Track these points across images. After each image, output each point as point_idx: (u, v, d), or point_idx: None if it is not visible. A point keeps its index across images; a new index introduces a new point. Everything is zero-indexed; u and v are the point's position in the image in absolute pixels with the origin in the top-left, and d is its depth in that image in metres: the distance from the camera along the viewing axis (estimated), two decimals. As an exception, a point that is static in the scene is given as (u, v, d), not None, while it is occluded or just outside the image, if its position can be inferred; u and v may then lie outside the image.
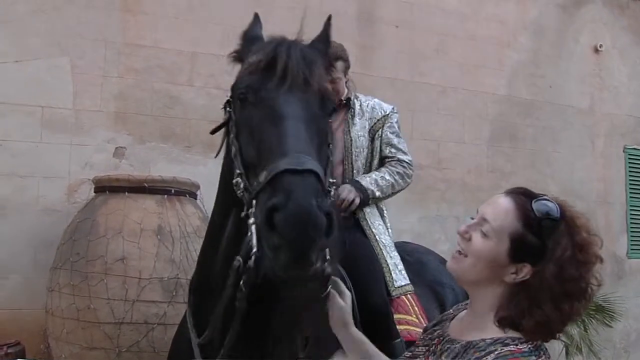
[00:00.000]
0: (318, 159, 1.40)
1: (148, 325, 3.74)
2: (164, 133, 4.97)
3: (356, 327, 2.08)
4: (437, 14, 6.23)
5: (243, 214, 1.41)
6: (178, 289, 3.80)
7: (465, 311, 1.51)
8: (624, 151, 7.39)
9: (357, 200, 2.57)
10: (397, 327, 2.38)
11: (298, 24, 5.71)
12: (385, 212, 2.74)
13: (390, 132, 2.73)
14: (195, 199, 4.35)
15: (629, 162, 7.40)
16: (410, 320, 2.48)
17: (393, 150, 2.73)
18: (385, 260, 2.53)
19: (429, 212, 6.05)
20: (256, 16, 1.96)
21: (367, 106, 2.74)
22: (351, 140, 2.65)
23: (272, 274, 1.30)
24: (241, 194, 1.45)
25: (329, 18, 1.92)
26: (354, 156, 2.65)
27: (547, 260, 1.30)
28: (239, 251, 1.45)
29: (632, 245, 7.33)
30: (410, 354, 1.59)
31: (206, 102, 5.12)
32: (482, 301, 1.40)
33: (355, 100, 2.75)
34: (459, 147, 6.30)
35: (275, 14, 5.36)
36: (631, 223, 7.36)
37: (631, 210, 7.36)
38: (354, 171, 2.66)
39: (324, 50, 1.80)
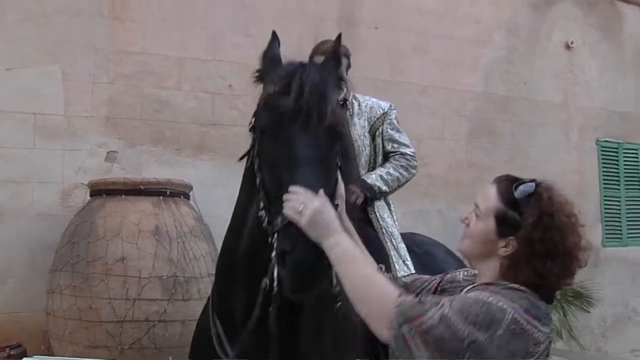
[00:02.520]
0: (326, 192, 1.62)
1: (149, 323, 3.87)
2: (154, 136, 5.09)
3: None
4: (415, 15, 6.42)
5: (269, 240, 1.67)
6: (177, 286, 3.94)
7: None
8: (596, 144, 7.66)
9: (360, 200, 2.72)
10: None
11: (283, 28, 5.84)
12: (392, 205, 2.88)
13: (390, 129, 2.87)
14: (189, 199, 4.49)
15: (602, 154, 7.68)
16: None
17: (395, 145, 2.87)
18: (391, 252, 2.68)
19: (412, 207, 6.21)
20: (274, 35, 2.04)
21: (366, 106, 2.88)
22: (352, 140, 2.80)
23: (286, 294, 1.64)
24: (265, 226, 1.70)
25: (339, 36, 2.02)
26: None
27: (524, 228, 1.51)
28: (258, 247, 1.76)
29: (606, 234, 7.61)
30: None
31: (195, 105, 5.26)
32: (484, 275, 1.61)
33: (354, 101, 2.90)
34: (440, 144, 6.50)
35: (260, 19, 5.54)
36: (605, 213, 7.63)
37: (605, 200, 7.64)
38: (359, 169, 2.80)
39: (335, 70, 1.90)
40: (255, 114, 1.84)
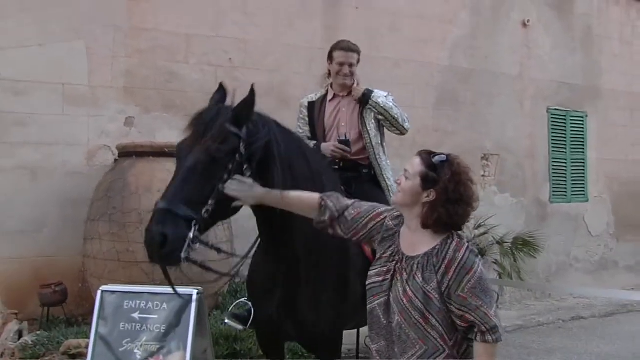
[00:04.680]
0: (190, 195, 2.28)
1: (177, 263, 4.66)
2: (166, 104, 5.80)
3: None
4: (391, -5, 7.19)
5: None
6: (199, 233, 4.72)
7: (403, 229, 2.32)
8: (547, 111, 8.61)
9: (357, 95, 3.49)
10: None
11: (274, 6, 6.53)
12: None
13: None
14: (202, 161, 5.24)
15: (551, 121, 8.64)
16: None
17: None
18: None
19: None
20: (220, 86, 2.61)
21: None
22: (364, 120, 3.53)
23: None
24: None
25: (252, 87, 2.46)
26: (369, 132, 3.52)
27: (439, 182, 2.18)
28: None
29: (553, 192, 8.62)
30: (385, 268, 2.35)
31: (200, 77, 5.96)
32: (412, 219, 2.25)
33: None
34: (410, 111, 7.09)
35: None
36: (552, 173, 8.64)
37: (552, 162, 8.64)
38: (374, 144, 3.53)
39: (232, 112, 2.43)
40: None
